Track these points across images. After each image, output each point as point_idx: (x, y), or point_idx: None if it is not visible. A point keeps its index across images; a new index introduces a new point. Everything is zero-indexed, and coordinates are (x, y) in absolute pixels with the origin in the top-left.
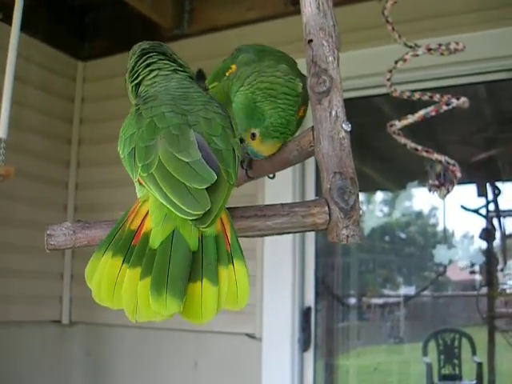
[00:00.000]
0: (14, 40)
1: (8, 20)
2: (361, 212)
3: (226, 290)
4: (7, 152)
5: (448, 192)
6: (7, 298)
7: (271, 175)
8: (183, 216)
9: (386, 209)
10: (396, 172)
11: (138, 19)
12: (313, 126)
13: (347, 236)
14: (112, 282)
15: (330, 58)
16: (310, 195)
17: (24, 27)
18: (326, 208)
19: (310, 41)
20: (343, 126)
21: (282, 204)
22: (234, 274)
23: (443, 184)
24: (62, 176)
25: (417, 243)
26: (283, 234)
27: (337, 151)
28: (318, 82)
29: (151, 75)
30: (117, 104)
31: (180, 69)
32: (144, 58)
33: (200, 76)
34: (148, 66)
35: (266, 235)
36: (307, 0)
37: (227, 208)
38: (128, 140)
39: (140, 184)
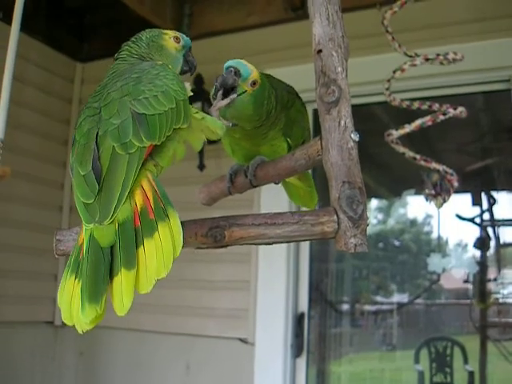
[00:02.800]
0: (13, 40)
1: (8, 20)
2: (368, 222)
3: (155, 260)
4: (3, 152)
5: (444, 201)
6: (1, 299)
7: (276, 182)
8: (85, 226)
9: (380, 216)
10: (391, 179)
11: (137, 21)
12: (320, 136)
13: (355, 245)
14: (69, 301)
15: (339, 69)
16: None
17: (23, 27)
18: (335, 217)
19: (320, 51)
20: (352, 135)
21: (292, 212)
22: (160, 239)
23: (439, 193)
24: (58, 177)
25: (411, 251)
26: (292, 242)
27: (345, 161)
28: (327, 92)
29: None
30: None
31: (130, 49)
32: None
33: (199, 81)
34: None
35: (276, 243)
36: (317, 11)
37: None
38: (70, 161)
39: None
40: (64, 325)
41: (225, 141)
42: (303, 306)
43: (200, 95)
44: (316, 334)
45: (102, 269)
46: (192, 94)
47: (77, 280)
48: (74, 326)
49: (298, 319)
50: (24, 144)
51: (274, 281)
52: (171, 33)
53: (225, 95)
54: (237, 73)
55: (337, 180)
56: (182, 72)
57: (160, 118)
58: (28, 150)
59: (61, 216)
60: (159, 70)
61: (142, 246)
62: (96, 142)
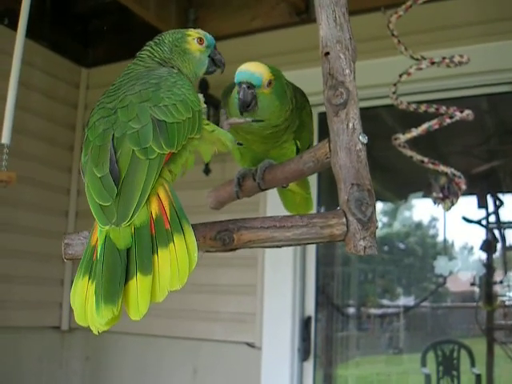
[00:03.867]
0: (18, 46)
1: (13, 26)
2: (377, 224)
3: (169, 271)
4: (9, 157)
5: (452, 204)
6: (8, 304)
7: (284, 185)
8: (100, 228)
9: (386, 219)
10: (398, 182)
11: (141, 27)
12: (329, 138)
13: (364, 247)
14: (83, 302)
15: (347, 71)
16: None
17: (29, 33)
18: (344, 219)
19: (327, 53)
20: (360, 138)
21: (301, 215)
22: (175, 251)
23: (447, 196)
24: (64, 182)
25: (417, 254)
26: (301, 244)
27: (354, 163)
28: (335, 95)
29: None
30: None
31: (152, 51)
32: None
33: (204, 86)
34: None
35: (285, 246)
36: (324, 13)
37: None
38: (82, 160)
39: None
40: (70, 330)
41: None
42: (310, 309)
43: (205, 100)
44: (323, 337)
45: (119, 270)
46: (205, 105)
47: (90, 281)
48: (88, 327)
49: (305, 323)
50: (29, 149)
51: (281, 284)
52: (194, 33)
53: (247, 107)
54: (250, 86)
55: (345, 182)
56: (208, 72)
57: (178, 126)
58: (33, 155)
59: (67, 221)
60: (176, 79)
61: (155, 255)
62: (112, 144)
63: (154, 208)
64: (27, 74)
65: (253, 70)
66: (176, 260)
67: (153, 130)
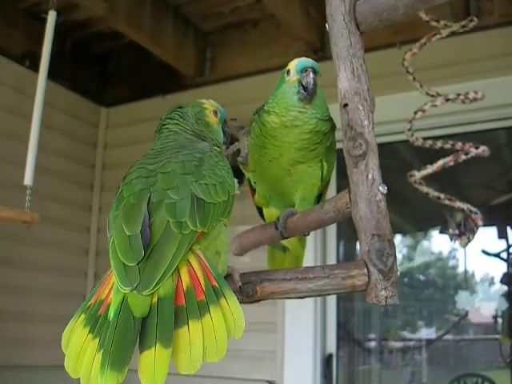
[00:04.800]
0: (40, 87)
1: (34, 67)
2: (398, 273)
3: (201, 343)
4: (32, 198)
5: (469, 241)
6: (26, 342)
7: (306, 233)
8: (120, 289)
9: (406, 252)
10: (416, 216)
11: (159, 66)
12: (349, 188)
13: (386, 297)
14: (77, 352)
15: (366, 122)
16: (331, 255)
17: (49, 74)
18: (365, 270)
19: (346, 105)
20: (380, 188)
21: (322, 266)
22: (212, 323)
23: (464, 233)
24: (85, 220)
25: (438, 287)
26: (323, 295)
27: (374, 213)
28: (354, 146)
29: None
30: (139, 150)
31: (182, 124)
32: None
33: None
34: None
35: (307, 297)
36: (342, 65)
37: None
38: (110, 213)
39: None
40: None
41: (250, 168)
42: (331, 346)
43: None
44: (345, 374)
45: (130, 338)
46: (238, 192)
47: (91, 335)
48: (78, 379)
49: (327, 360)
50: (51, 189)
51: (302, 322)
52: (209, 106)
53: (311, 91)
54: (315, 73)
55: (366, 233)
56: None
57: (214, 207)
58: (54, 194)
59: (87, 259)
60: (219, 159)
61: (186, 326)
62: (148, 206)
63: (185, 278)
64: (48, 114)
65: (311, 60)
66: (213, 332)
67: (190, 206)
